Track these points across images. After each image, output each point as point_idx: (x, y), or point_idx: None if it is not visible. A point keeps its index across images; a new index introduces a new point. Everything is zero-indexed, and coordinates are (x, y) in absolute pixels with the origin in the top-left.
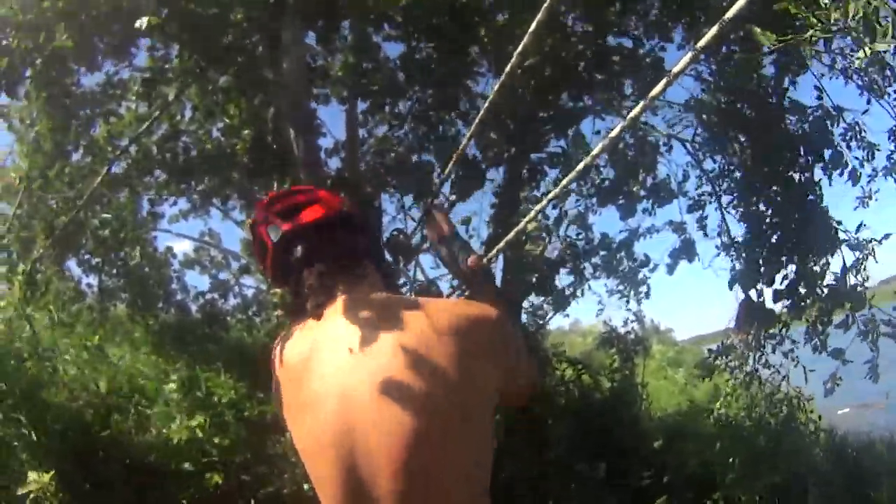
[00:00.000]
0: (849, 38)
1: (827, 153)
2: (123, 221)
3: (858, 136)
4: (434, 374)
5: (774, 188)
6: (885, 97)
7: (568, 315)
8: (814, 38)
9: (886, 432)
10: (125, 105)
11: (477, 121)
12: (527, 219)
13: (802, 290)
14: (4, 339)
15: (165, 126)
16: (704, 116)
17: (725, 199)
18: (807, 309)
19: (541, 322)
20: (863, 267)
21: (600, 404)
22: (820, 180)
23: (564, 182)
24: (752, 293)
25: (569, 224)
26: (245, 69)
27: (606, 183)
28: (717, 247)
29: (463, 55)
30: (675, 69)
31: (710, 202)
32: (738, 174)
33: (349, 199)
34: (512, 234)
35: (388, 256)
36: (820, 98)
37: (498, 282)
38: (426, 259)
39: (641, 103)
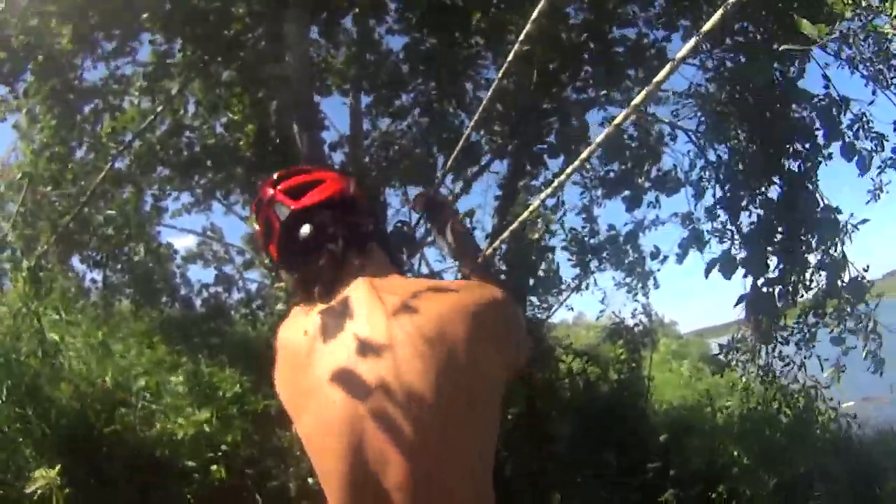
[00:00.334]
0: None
1: (836, 143)
2: (127, 217)
3: (866, 127)
4: (444, 360)
5: (775, 178)
6: (892, 88)
7: (572, 308)
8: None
9: (890, 426)
10: (128, 100)
11: (481, 109)
12: (530, 209)
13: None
14: (10, 335)
15: (169, 121)
16: (708, 107)
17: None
18: (797, 297)
19: (545, 315)
20: (838, 246)
21: (607, 397)
22: (819, 164)
23: (569, 170)
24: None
25: (564, 212)
26: (248, 63)
27: (611, 175)
28: (715, 234)
29: (464, 46)
30: (679, 54)
31: (709, 187)
32: (741, 165)
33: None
34: (516, 223)
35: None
36: (827, 88)
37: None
38: (431, 252)
39: (646, 89)
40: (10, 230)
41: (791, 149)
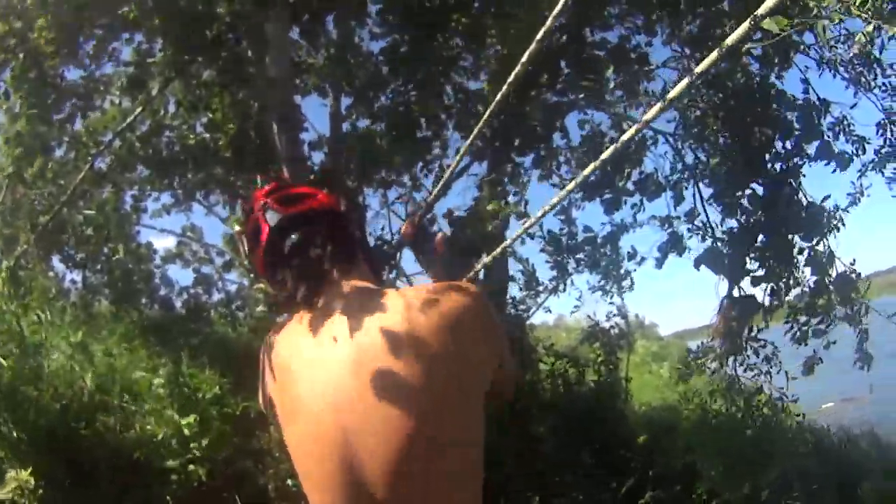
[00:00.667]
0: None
1: (814, 144)
2: (107, 217)
3: (847, 130)
4: (427, 367)
5: (756, 180)
6: (872, 91)
7: (550, 311)
8: (827, 17)
9: (870, 426)
10: (108, 99)
11: (477, 129)
12: (526, 226)
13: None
14: None
15: (149, 121)
16: (689, 111)
17: (706, 191)
18: (785, 295)
19: (524, 315)
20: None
21: (586, 398)
22: (802, 164)
23: (570, 186)
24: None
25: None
26: (229, 64)
27: (591, 178)
28: (694, 232)
29: (445, 48)
30: (698, 69)
31: (687, 188)
32: (721, 167)
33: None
34: (509, 241)
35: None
36: (806, 92)
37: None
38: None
39: (658, 105)
40: None
41: (773, 150)
